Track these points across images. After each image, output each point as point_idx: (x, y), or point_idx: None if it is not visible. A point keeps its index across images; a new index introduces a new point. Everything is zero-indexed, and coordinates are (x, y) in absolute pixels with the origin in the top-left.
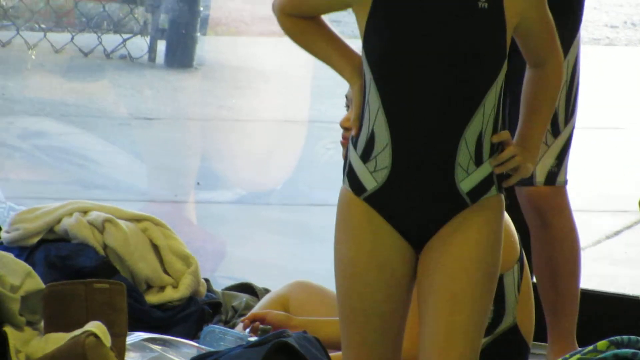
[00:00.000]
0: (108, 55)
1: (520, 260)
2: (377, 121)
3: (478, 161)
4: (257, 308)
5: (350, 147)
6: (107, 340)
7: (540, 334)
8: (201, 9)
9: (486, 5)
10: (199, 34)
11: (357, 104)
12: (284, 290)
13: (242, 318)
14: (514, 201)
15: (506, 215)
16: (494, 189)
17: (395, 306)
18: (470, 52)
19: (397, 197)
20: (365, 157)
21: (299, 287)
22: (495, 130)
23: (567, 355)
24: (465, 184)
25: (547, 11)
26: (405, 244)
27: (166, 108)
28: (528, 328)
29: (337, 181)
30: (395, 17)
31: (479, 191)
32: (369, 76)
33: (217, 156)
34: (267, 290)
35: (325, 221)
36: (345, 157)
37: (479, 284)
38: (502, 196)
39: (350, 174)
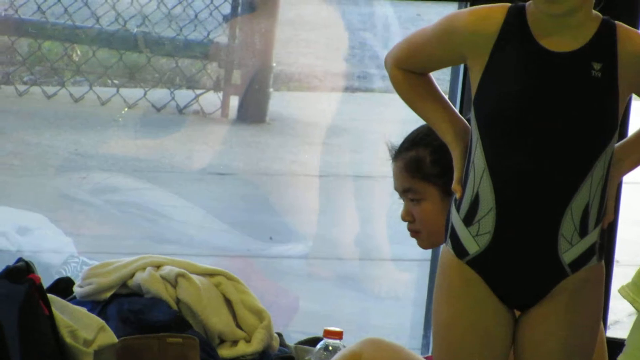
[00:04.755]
0: (181, 110)
1: None
2: (482, 184)
3: (583, 233)
4: None
5: (453, 209)
6: None
7: None
8: (274, 64)
9: (599, 74)
10: (271, 90)
11: (459, 167)
12: (356, 347)
13: None
14: None
15: None
16: (594, 259)
17: None
18: (581, 121)
19: (498, 262)
20: (468, 220)
21: (371, 345)
22: (602, 201)
23: None
24: (568, 256)
25: None
26: (504, 309)
27: (239, 163)
28: None
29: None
30: (508, 77)
31: (581, 262)
32: (476, 135)
33: (290, 211)
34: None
35: (398, 277)
36: (447, 219)
37: None
38: (602, 264)
39: (452, 236)
